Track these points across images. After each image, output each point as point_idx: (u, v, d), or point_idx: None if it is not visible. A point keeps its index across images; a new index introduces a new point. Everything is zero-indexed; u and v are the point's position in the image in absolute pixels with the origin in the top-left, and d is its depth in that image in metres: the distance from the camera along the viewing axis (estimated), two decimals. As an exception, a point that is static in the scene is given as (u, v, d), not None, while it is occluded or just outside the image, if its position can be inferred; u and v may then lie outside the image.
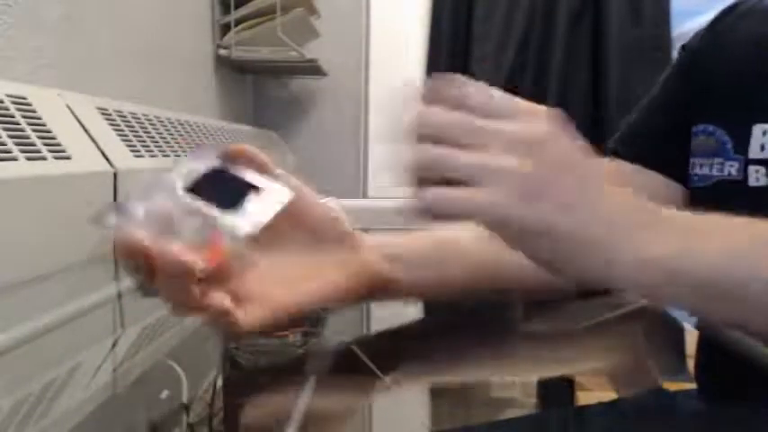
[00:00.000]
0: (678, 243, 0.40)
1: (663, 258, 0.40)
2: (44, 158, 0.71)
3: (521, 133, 0.40)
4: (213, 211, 0.43)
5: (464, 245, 0.57)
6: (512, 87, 2.20)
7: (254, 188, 0.45)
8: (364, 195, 2.23)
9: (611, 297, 0.62)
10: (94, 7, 1.13)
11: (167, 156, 1.06)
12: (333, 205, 0.52)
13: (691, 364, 0.57)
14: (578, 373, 0.55)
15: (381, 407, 0.50)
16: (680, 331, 0.63)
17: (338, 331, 0.57)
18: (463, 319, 0.62)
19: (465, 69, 2.24)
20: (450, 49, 2.24)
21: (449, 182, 0.40)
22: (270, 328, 0.45)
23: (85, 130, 0.84)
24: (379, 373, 0.50)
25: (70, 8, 1.04)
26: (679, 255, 0.40)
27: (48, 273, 0.67)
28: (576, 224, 0.40)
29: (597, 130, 1.92)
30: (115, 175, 0.83)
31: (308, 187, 0.49)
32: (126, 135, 0.95)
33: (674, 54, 0.76)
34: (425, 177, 0.40)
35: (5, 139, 0.67)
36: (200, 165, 0.45)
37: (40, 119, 0.75)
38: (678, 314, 0.64)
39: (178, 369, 0.55)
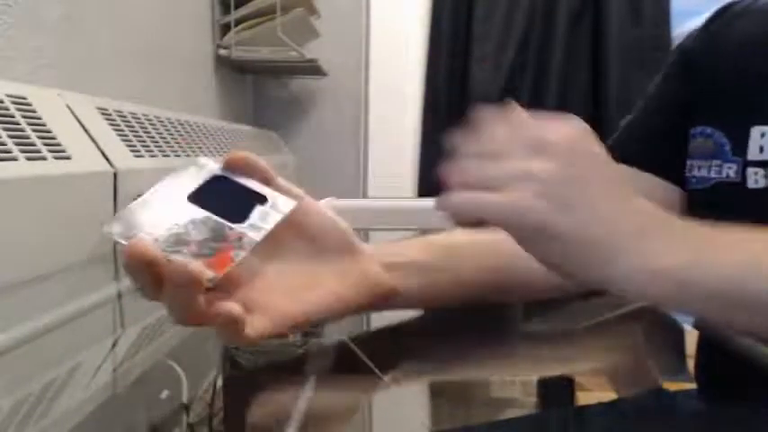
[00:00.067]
0: (689, 254, 0.40)
1: (673, 269, 0.40)
2: (44, 158, 0.71)
3: (543, 138, 0.42)
4: (218, 220, 0.43)
5: (462, 252, 0.57)
6: (512, 87, 2.21)
7: (258, 197, 0.45)
8: (364, 195, 2.23)
9: (611, 297, 0.62)
10: (94, 7, 1.14)
11: (167, 156, 1.06)
12: (331, 205, 0.52)
13: (691, 364, 0.57)
14: (578, 373, 0.55)
15: (381, 407, 0.50)
16: (680, 331, 0.63)
17: (338, 330, 0.57)
18: (463, 319, 0.62)
19: (465, 69, 2.24)
20: (451, 49, 2.24)
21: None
22: (273, 337, 0.45)
23: (85, 130, 0.84)
24: (378, 372, 0.50)
25: (70, 8, 1.04)
26: (689, 266, 0.40)
27: (48, 273, 0.67)
28: (580, 227, 0.41)
29: (597, 130, 1.92)
30: (115, 175, 0.83)
31: (309, 196, 0.49)
32: (126, 135, 0.96)
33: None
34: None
35: (5, 139, 0.67)
36: (202, 173, 0.46)
37: (40, 119, 0.75)
38: (678, 314, 0.64)
39: (178, 369, 0.55)
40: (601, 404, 0.47)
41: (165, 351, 0.61)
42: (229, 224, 0.43)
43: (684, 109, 0.64)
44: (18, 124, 0.71)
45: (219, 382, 0.53)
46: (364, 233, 1.12)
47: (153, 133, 1.06)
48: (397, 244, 0.59)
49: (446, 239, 0.57)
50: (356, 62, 2.25)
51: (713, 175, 0.60)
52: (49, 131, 0.75)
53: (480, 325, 0.62)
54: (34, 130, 0.72)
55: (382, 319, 0.59)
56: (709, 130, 0.61)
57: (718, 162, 0.60)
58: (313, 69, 2.05)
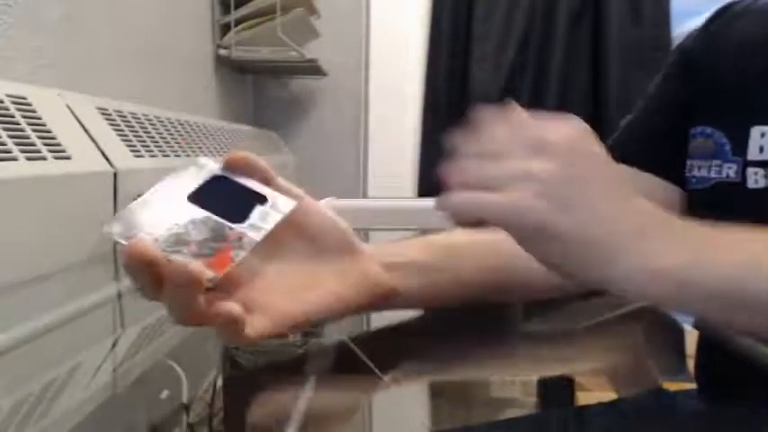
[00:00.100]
0: (689, 254, 0.40)
1: (673, 269, 0.40)
2: (44, 158, 0.71)
3: (543, 138, 0.42)
4: (218, 220, 0.43)
5: (462, 251, 0.57)
6: (512, 87, 2.21)
7: (258, 197, 0.45)
8: (364, 195, 2.23)
9: (611, 297, 0.62)
10: (94, 7, 1.14)
11: (167, 156, 1.06)
12: (331, 205, 0.52)
13: (691, 364, 0.57)
14: (578, 373, 0.55)
15: (381, 407, 0.50)
16: (680, 331, 0.63)
17: (338, 330, 0.57)
18: (463, 319, 0.62)
19: (465, 69, 2.24)
20: (451, 49, 2.24)
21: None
22: (273, 337, 0.45)
23: (85, 130, 0.84)
24: (378, 372, 0.50)
25: (70, 8, 1.04)
26: (689, 265, 0.40)
27: (48, 273, 0.67)
28: (580, 227, 0.41)
29: (597, 130, 1.92)
30: (115, 175, 0.83)
31: (309, 196, 0.49)
32: (126, 135, 0.96)
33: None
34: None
35: (5, 139, 0.67)
36: (202, 173, 0.46)
37: (40, 119, 0.75)
38: (678, 314, 0.64)
39: (178, 369, 0.55)
40: (601, 404, 0.47)
41: (165, 351, 0.61)
42: (229, 224, 0.43)
43: (684, 109, 0.64)
44: (18, 124, 0.71)
45: (219, 382, 0.53)
46: (364, 233, 1.12)
47: (153, 133, 1.06)
48: (397, 244, 0.59)
49: (446, 239, 0.57)
50: (356, 62, 2.25)
51: (713, 175, 0.60)
52: (49, 131, 0.75)
53: (480, 325, 0.62)
54: (34, 130, 0.72)
55: (382, 319, 0.59)
56: (709, 130, 0.61)
57: (718, 162, 0.60)
58: (313, 69, 2.05)
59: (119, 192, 0.83)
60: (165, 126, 1.14)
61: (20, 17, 0.91)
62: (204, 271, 0.40)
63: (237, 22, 1.84)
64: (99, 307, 0.71)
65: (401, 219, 1.28)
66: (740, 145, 0.58)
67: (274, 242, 0.45)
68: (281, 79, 2.29)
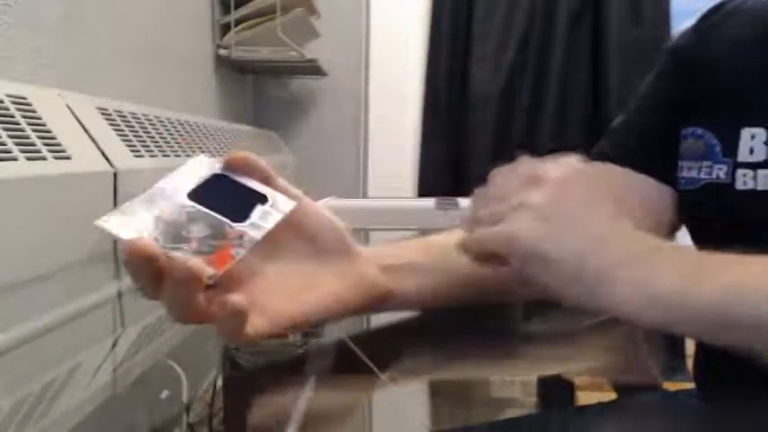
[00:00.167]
0: (676, 279, 0.42)
1: (661, 295, 0.42)
2: (44, 158, 0.71)
3: (537, 173, 0.47)
4: (219, 218, 0.43)
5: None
6: (512, 87, 2.21)
7: (258, 196, 0.45)
8: (364, 195, 2.23)
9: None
10: (94, 7, 1.13)
11: (167, 156, 1.06)
12: (330, 205, 0.52)
13: (690, 363, 0.57)
14: (578, 373, 0.55)
15: (381, 407, 0.50)
16: (680, 331, 0.63)
17: (337, 330, 0.57)
18: (463, 319, 0.62)
19: (465, 69, 2.24)
20: (451, 49, 2.24)
21: None
22: (273, 337, 0.46)
23: (85, 130, 0.84)
24: (378, 372, 0.50)
25: (70, 8, 1.04)
26: (675, 290, 0.42)
27: (48, 273, 0.67)
28: (571, 254, 0.44)
29: (597, 130, 1.92)
30: (115, 175, 0.83)
31: (307, 197, 0.49)
32: (126, 135, 0.95)
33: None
34: None
35: (5, 139, 0.67)
36: (202, 172, 0.46)
37: (40, 119, 0.75)
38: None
39: (178, 369, 0.55)
40: (601, 404, 0.47)
41: (165, 351, 0.61)
42: (230, 222, 0.43)
43: (678, 107, 0.64)
44: (18, 124, 0.71)
45: (219, 382, 0.53)
46: (364, 233, 1.12)
47: (153, 133, 1.06)
48: (395, 245, 0.60)
49: (444, 240, 0.57)
50: (356, 62, 2.25)
51: (703, 176, 0.60)
52: (49, 131, 0.75)
53: (480, 325, 0.62)
54: (34, 130, 0.72)
55: (382, 318, 0.59)
56: (699, 131, 0.61)
57: (708, 163, 0.59)
58: (313, 69, 2.05)
59: (119, 192, 0.83)
60: (165, 126, 1.14)
61: (20, 17, 0.91)
62: (204, 268, 0.40)
63: (237, 22, 1.84)
64: (99, 307, 0.71)
65: (401, 219, 1.28)
66: (730, 146, 0.58)
67: (273, 242, 0.45)
68: (281, 79, 2.29)
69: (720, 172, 0.58)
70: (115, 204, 0.82)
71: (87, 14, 1.10)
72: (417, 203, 1.57)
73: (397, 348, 0.56)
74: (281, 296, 0.45)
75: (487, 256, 0.48)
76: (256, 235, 0.43)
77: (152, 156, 0.99)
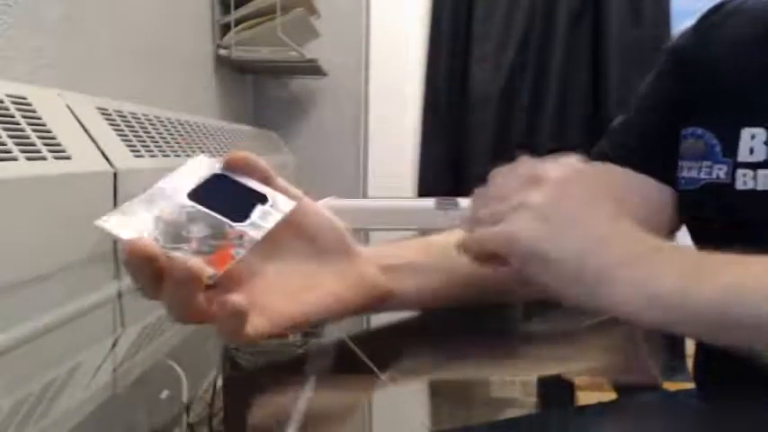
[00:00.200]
0: (676, 279, 0.42)
1: (661, 295, 0.42)
2: (44, 158, 0.71)
3: (536, 174, 0.47)
4: (219, 218, 0.43)
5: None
6: (512, 87, 2.21)
7: (258, 196, 0.45)
8: (364, 195, 2.23)
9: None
10: (94, 7, 1.13)
11: (167, 156, 1.06)
12: (330, 205, 0.52)
13: (690, 363, 0.57)
14: (578, 373, 0.55)
15: (381, 407, 0.50)
16: (680, 331, 0.63)
17: (338, 330, 0.57)
18: (463, 319, 0.62)
19: (465, 69, 2.24)
20: (451, 49, 2.24)
21: None
22: (272, 337, 0.46)
23: (85, 130, 0.84)
24: (378, 372, 0.50)
25: (70, 8, 1.04)
26: (675, 291, 0.42)
27: (48, 273, 0.67)
28: (570, 254, 0.44)
29: (597, 130, 1.92)
30: (115, 175, 0.83)
31: (307, 197, 0.49)
32: (126, 135, 0.95)
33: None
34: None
35: (5, 139, 0.67)
36: (202, 172, 0.46)
37: (40, 119, 0.75)
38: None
39: (178, 369, 0.55)
40: (601, 404, 0.47)
41: (165, 351, 0.61)
42: (230, 222, 0.43)
43: (678, 107, 0.64)
44: (18, 124, 0.71)
45: (219, 382, 0.53)
46: (364, 233, 1.12)
47: (153, 133, 1.06)
48: (395, 245, 0.60)
49: (444, 240, 0.57)
50: (356, 62, 2.25)
51: (703, 176, 0.60)
52: (49, 131, 0.75)
53: (480, 325, 0.62)
54: (34, 130, 0.72)
55: (382, 318, 0.59)
56: (699, 131, 0.61)
57: (708, 163, 0.59)
58: (313, 69, 2.05)
59: (119, 192, 0.83)
60: (165, 126, 1.14)
61: (20, 17, 0.91)
62: (204, 268, 0.40)
63: (237, 22, 1.84)
64: (99, 307, 0.71)
65: (401, 219, 1.28)
66: (730, 146, 0.58)
67: (273, 242, 0.45)
68: (281, 79, 2.29)
69: (720, 172, 0.58)
70: (115, 204, 0.82)
71: (87, 14, 1.10)
72: (417, 203, 1.57)
73: (397, 348, 0.56)
74: (281, 296, 0.45)
75: (487, 256, 0.48)
76: (256, 235, 0.43)
77: (152, 156, 0.99)
